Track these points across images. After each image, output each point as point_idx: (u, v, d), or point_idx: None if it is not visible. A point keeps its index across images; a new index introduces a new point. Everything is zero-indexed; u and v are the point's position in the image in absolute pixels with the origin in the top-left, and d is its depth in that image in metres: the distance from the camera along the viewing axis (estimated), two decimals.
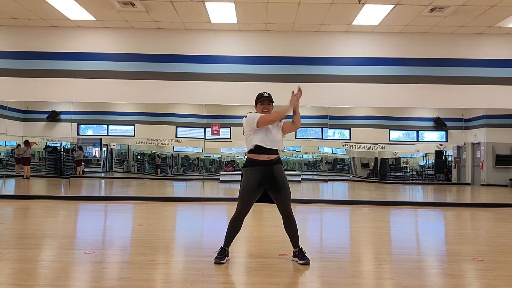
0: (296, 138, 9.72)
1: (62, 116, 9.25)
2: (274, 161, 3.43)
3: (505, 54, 8.08)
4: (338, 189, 10.47)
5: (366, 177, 11.03)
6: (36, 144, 10.31)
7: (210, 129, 8.54)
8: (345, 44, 8.17)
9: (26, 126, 9.61)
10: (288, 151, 10.85)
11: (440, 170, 10.51)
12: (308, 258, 3.38)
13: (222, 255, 3.38)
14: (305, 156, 10.91)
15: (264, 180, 3.39)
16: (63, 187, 9.72)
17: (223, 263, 3.34)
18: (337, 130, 9.86)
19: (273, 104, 3.57)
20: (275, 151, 3.45)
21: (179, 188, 10.85)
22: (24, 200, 7.58)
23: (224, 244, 3.44)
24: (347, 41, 8.17)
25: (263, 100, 3.51)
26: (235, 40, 8.19)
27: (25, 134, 9.78)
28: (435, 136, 9.96)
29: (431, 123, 9.55)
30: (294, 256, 3.45)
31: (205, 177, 9.68)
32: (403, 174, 10.76)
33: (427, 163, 10.72)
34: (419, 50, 8.11)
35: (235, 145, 9.94)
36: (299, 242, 3.47)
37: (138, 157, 11.50)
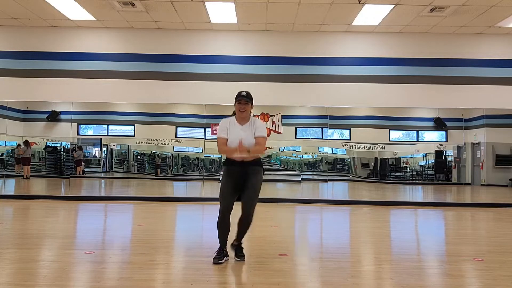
0: (296, 138, 9.72)
1: (62, 116, 9.25)
2: (248, 162, 3.41)
3: (505, 54, 8.07)
4: (338, 189, 10.48)
5: (366, 177, 11.03)
6: (36, 144, 10.31)
7: (210, 129, 8.54)
8: (345, 44, 8.16)
9: (26, 126, 9.61)
10: (288, 151, 10.85)
11: (440, 170, 10.52)
12: (243, 255, 3.47)
13: (221, 255, 3.39)
14: (305, 156, 10.92)
15: (238, 178, 3.43)
16: (63, 187, 9.72)
17: (221, 263, 3.34)
18: (337, 130, 9.86)
19: (252, 103, 3.51)
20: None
21: (179, 188, 10.85)
22: (24, 200, 7.57)
23: (220, 244, 3.45)
24: (347, 41, 8.17)
25: (240, 100, 3.47)
26: (235, 40, 8.18)
27: (25, 134, 9.79)
28: (435, 136, 9.97)
29: (431, 123, 9.55)
30: (233, 247, 3.50)
31: (205, 177, 9.68)
32: (403, 174, 10.76)
33: (427, 163, 10.72)
34: (419, 50, 8.10)
35: None
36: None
37: (138, 157, 11.50)
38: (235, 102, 3.50)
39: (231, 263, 3.41)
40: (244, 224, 3.45)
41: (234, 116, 3.55)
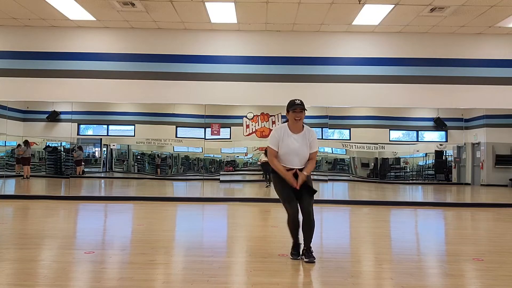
0: None
1: (62, 116, 9.24)
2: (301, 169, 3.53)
3: (505, 54, 8.07)
4: (338, 189, 10.47)
5: (366, 177, 11.02)
6: (36, 144, 10.30)
7: (210, 129, 8.54)
8: (345, 44, 8.16)
9: (26, 126, 9.60)
10: None
11: (440, 170, 10.51)
12: (313, 257, 3.44)
13: (298, 250, 3.54)
14: None
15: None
16: (63, 187, 9.71)
17: (298, 258, 3.49)
18: (337, 130, 9.85)
19: (306, 111, 3.50)
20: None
21: (179, 188, 10.85)
22: (24, 200, 7.57)
23: (294, 240, 3.56)
24: (347, 41, 8.17)
25: (296, 108, 3.46)
26: (235, 40, 8.18)
27: (25, 134, 9.78)
28: (435, 136, 9.96)
29: (431, 123, 9.55)
30: (302, 254, 3.54)
31: (205, 177, 9.67)
32: (403, 174, 10.76)
33: (427, 163, 10.71)
34: (419, 50, 8.10)
35: (235, 145, 9.93)
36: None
37: (138, 157, 11.49)
38: (289, 110, 3.49)
39: (231, 263, 3.41)
40: (308, 224, 3.48)
41: (287, 124, 3.55)
